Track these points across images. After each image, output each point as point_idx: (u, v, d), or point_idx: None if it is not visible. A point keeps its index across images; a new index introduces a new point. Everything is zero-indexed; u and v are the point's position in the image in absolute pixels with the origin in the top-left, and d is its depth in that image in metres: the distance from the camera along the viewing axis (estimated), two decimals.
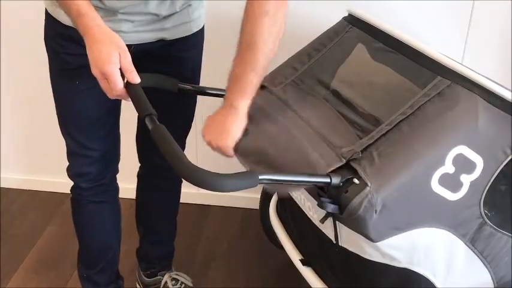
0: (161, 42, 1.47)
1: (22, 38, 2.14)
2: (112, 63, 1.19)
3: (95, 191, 1.61)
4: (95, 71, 1.21)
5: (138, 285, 1.98)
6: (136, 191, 1.85)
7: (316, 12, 1.87)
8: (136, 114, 1.52)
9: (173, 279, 1.92)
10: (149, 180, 1.81)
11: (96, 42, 1.20)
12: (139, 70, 1.27)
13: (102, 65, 1.19)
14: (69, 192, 1.65)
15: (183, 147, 1.67)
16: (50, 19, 1.42)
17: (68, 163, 1.60)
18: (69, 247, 2.14)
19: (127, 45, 1.26)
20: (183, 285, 1.91)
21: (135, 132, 1.73)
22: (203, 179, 1.04)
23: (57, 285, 2.00)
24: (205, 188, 1.05)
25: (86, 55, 1.23)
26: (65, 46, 1.41)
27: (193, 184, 1.05)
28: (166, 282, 1.91)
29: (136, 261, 1.97)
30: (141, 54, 1.42)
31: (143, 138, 1.71)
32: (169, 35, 1.47)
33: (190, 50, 1.57)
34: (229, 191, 1.07)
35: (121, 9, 1.35)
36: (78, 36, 1.25)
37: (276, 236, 1.80)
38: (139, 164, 1.80)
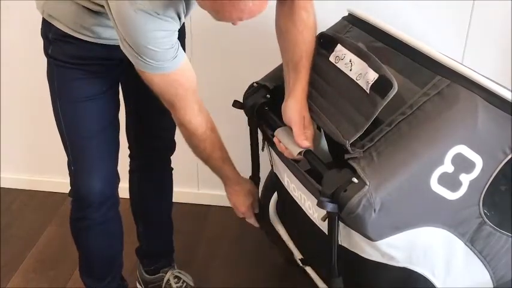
0: None
1: (22, 37, 2.14)
2: (249, 209, 1.69)
3: (102, 208, 1.57)
4: (237, 212, 1.71)
5: (138, 285, 1.98)
6: (129, 187, 1.84)
7: (316, 12, 1.87)
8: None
9: (176, 277, 1.92)
10: (141, 172, 1.80)
11: (239, 195, 1.65)
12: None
13: (243, 209, 1.68)
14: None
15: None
16: (57, 35, 1.41)
17: (71, 185, 1.58)
18: (69, 247, 2.13)
19: None
20: (184, 284, 1.91)
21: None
22: None
23: (57, 285, 2.00)
24: None
25: (89, 71, 1.40)
26: (71, 63, 1.42)
27: None
28: (168, 279, 1.90)
29: (136, 261, 1.97)
30: None
31: (134, 125, 1.71)
32: None
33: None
34: None
35: None
36: (84, 53, 1.38)
37: (274, 236, 1.81)
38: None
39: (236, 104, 1.54)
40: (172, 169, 1.83)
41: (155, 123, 1.68)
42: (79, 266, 1.76)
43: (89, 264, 1.74)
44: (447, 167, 1.17)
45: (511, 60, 1.90)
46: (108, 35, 1.39)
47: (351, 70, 1.30)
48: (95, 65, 1.43)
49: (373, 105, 1.19)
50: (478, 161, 1.19)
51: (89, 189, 1.53)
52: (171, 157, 1.79)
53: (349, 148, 1.18)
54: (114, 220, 1.66)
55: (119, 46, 1.29)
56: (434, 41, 1.85)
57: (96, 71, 1.43)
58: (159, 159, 1.78)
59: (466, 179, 1.20)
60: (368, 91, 1.22)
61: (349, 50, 1.34)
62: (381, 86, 1.19)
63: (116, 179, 1.61)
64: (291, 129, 1.37)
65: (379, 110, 1.18)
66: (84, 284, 1.77)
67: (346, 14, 1.58)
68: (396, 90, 1.17)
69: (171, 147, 1.76)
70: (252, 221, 1.73)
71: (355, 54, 1.31)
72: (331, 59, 1.38)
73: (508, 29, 1.87)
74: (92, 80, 1.44)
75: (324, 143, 1.55)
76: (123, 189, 1.79)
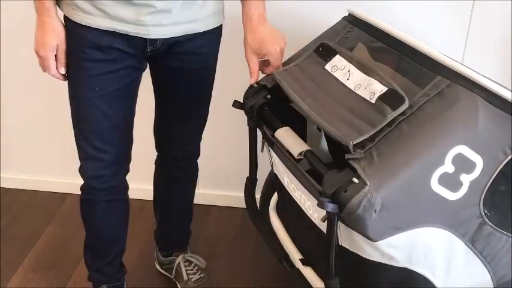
0: (190, 35, 1.51)
1: (21, 36, 2.14)
2: (49, 50, 1.44)
3: (108, 191, 1.64)
4: (35, 50, 1.45)
5: (156, 264, 2.05)
6: (154, 178, 1.90)
7: (316, 12, 1.87)
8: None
9: (186, 260, 1.97)
10: (166, 170, 1.86)
11: (43, 30, 1.44)
12: (162, 64, 1.51)
13: (41, 49, 1.44)
14: (79, 190, 1.67)
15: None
16: (72, 26, 1.46)
17: (79, 163, 1.62)
18: (69, 247, 2.14)
19: (154, 39, 1.44)
20: (195, 268, 1.94)
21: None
22: None
23: (57, 285, 2.00)
24: None
25: (106, 61, 1.44)
26: (87, 53, 1.46)
27: None
28: (179, 263, 1.96)
29: (136, 260, 1.98)
30: (166, 48, 1.50)
31: (162, 130, 1.76)
32: (201, 26, 1.51)
33: (214, 46, 1.63)
34: None
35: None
36: (99, 41, 1.43)
37: (269, 236, 1.81)
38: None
39: (236, 104, 1.54)
40: (197, 169, 1.89)
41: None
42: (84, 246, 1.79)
43: (90, 241, 1.77)
44: (448, 167, 1.17)
45: (511, 60, 1.90)
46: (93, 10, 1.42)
47: (348, 80, 1.31)
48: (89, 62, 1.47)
49: (381, 114, 1.20)
50: (478, 161, 1.19)
51: (95, 175, 1.61)
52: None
53: (351, 148, 1.18)
54: (118, 202, 1.70)
55: (108, 33, 1.40)
56: (434, 41, 1.85)
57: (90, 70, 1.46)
58: (181, 161, 1.84)
59: (466, 179, 1.20)
60: (374, 101, 1.22)
61: (349, 61, 1.35)
62: (390, 97, 1.21)
63: (123, 167, 1.66)
64: (291, 130, 1.37)
65: (389, 120, 1.19)
66: (86, 262, 1.79)
67: (346, 14, 1.58)
68: (407, 102, 1.19)
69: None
70: (51, 72, 1.49)
71: (355, 66, 1.32)
72: (327, 67, 1.39)
73: (508, 29, 1.87)
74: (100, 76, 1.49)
75: (323, 143, 1.55)
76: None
